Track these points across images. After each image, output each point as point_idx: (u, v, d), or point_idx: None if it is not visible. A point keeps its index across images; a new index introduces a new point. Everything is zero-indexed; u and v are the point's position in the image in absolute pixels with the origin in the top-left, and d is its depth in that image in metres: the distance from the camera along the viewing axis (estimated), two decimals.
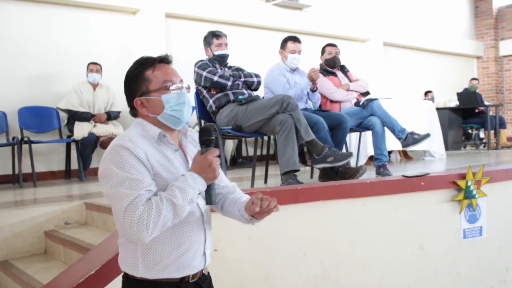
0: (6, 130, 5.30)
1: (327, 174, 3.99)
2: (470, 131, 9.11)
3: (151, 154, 1.48)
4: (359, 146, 5.12)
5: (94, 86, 5.64)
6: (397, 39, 9.30)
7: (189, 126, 1.71)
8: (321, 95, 4.68)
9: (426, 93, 9.56)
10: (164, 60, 1.58)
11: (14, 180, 5.16)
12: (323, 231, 3.13)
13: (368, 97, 4.75)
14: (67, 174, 5.55)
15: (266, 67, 4.50)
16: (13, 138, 5.12)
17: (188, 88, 1.62)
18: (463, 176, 3.67)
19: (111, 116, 5.64)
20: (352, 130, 4.53)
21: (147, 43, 6.14)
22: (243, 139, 6.49)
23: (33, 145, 5.06)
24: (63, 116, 5.60)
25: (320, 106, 4.62)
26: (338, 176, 3.92)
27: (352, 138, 5.42)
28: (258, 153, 6.24)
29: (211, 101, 4.01)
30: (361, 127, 4.58)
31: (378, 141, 4.37)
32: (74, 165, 5.49)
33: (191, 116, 1.64)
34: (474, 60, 11.35)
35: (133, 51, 6.10)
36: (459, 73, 10.71)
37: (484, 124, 8.50)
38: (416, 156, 6.72)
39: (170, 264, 1.50)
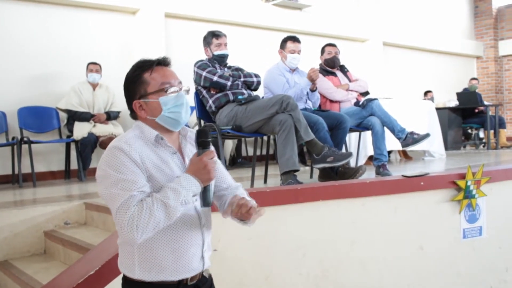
0: (6, 130, 5.30)
1: (327, 174, 3.99)
2: (469, 131, 9.12)
3: (146, 156, 1.48)
4: (359, 146, 5.12)
5: (94, 86, 5.64)
6: (396, 39, 9.30)
7: (188, 126, 1.71)
8: (321, 95, 4.69)
9: (426, 93, 9.56)
10: (162, 62, 1.59)
11: (14, 180, 5.16)
12: (322, 231, 3.13)
13: (368, 97, 4.75)
14: (66, 174, 5.55)
15: (265, 67, 4.50)
16: (13, 138, 5.12)
17: (188, 90, 1.62)
18: (462, 176, 3.67)
19: (110, 116, 5.63)
20: (351, 130, 4.53)
21: (147, 43, 6.14)
22: (243, 139, 6.49)
23: (32, 145, 5.06)
24: (63, 116, 5.60)
25: (319, 106, 4.62)
26: (338, 176, 3.92)
27: (351, 138, 5.42)
28: (258, 153, 6.24)
29: (210, 101, 4.01)
30: (360, 127, 4.58)
31: (377, 141, 4.37)
32: (74, 165, 5.49)
33: (189, 118, 1.64)
34: (473, 60, 11.35)
35: (133, 51, 6.10)
36: (459, 73, 10.72)
37: (484, 124, 8.50)
38: (415, 156, 6.72)
39: (167, 267, 1.50)
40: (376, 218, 3.36)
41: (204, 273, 1.62)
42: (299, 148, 5.12)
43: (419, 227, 3.55)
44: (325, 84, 4.74)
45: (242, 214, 1.53)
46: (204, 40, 4.20)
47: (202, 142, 1.50)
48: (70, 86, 5.53)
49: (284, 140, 3.59)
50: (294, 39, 4.40)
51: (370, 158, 5.10)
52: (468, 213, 3.76)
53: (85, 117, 5.44)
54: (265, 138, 5.10)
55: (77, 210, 3.51)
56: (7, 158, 5.20)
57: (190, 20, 6.68)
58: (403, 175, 3.58)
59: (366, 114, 4.51)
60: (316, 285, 3.08)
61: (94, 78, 5.58)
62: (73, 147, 5.48)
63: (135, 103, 1.57)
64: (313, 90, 4.32)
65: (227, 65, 4.21)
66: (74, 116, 5.43)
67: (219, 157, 1.76)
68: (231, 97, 3.96)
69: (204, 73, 3.96)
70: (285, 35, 4.56)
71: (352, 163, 4.87)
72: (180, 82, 1.59)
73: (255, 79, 4.19)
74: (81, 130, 5.34)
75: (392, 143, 4.94)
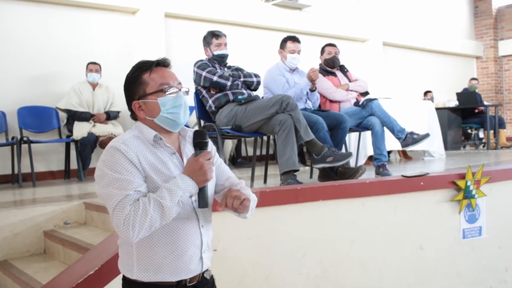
0: (6, 130, 5.30)
1: (327, 174, 3.99)
2: (469, 131, 9.12)
3: (144, 157, 1.49)
4: (359, 146, 5.12)
5: (94, 86, 5.64)
6: (396, 39, 9.30)
7: (188, 127, 1.71)
8: (321, 95, 4.68)
9: (426, 93, 9.56)
10: (162, 63, 1.60)
11: (14, 180, 5.15)
12: (322, 231, 3.13)
13: (368, 97, 4.75)
14: (66, 174, 5.55)
15: (265, 67, 4.50)
16: (13, 138, 5.12)
17: (187, 91, 1.62)
18: (462, 176, 3.67)
19: (110, 116, 5.63)
20: (351, 130, 4.53)
21: (147, 43, 6.14)
22: (243, 139, 6.49)
23: (32, 145, 5.06)
24: (63, 116, 5.60)
25: (319, 106, 4.62)
26: (338, 176, 3.92)
27: (351, 138, 5.42)
28: (258, 153, 6.24)
29: (210, 101, 4.01)
30: (360, 127, 4.58)
31: (377, 141, 4.37)
32: (74, 165, 5.49)
33: (188, 118, 1.64)
34: (473, 60, 11.35)
35: (133, 51, 6.10)
36: (459, 73, 10.72)
37: (484, 124, 8.50)
38: (415, 156, 6.73)
39: (165, 267, 1.50)
40: (376, 218, 3.36)
41: (205, 275, 1.62)
42: (299, 148, 5.12)
43: (419, 227, 3.55)
44: (325, 84, 4.74)
45: (234, 207, 1.52)
46: (204, 40, 4.20)
47: (199, 143, 1.51)
48: (70, 86, 5.53)
49: (284, 140, 3.59)
50: (294, 39, 4.40)
51: (370, 158, 5.10)
52: (468, 213, 3.76)
53: (85, 117, 5.44)
54: (265, 138, 5.10)
55: (76, 210, 3.51)
56: (6, 158, 5.19)
57: (190, 20, 6.68)
58: (403, 175, 3.58)
59: (366, 114, 4.51)
60: (316, 285, 3.08)
61: (93, 78, 5.58)
62: (72, 147, 5.48)
63: (134, 103, 1.58)
64: (312, 90, 4.32)
65: (227, 65, 4.21)
66: (74, 116, 5.43)
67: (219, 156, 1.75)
68: (231, 97, 3.96)
69: (204, 73, 3.96)
70: (285, 35, 4.56)
71: (352, 163, 4.87)
72: (180, 83, 1.60)
73: (255, 79, 4.19)
74: (80, 130, 5.33)
75: (392, 143, 4.94)
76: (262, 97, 4.21)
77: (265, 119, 3.70)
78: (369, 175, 4.14)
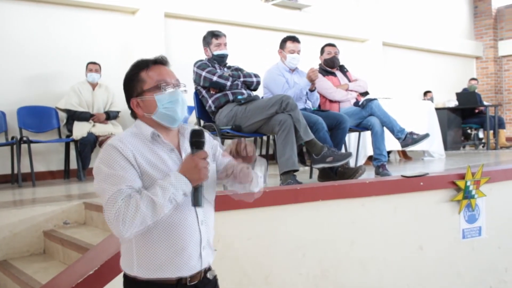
0: (5, 129, 5.30)
1: (326, 174, 3.99)
2: (469, 131, 9.12)
3: (140, 153, 1.51)
4: (358, 146, 5.12)
5: (93, 86, 5.64)
6: (396, 39, 9.30)
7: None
8: (320, 95, 4.69)
9: (425, 93, 9.57)
10: (159, 61, 1.62)
11: (13, 179, 5.15)
12: (322, 231, 3.13)
13: (367, 97, 4.75)
14: (66, 174, 5.55)
15: (265, 67, 4.50)
16: (12, 138, 5.12)
17: (185, 90, 1.63)
18: (462, 176, 3.67)
19: (110, 115, 5.63)
20: (351, 130, 4.53)
21: (147, 43, 6.13)
22: (242, 139, 6.48)
23: (32, 145, 5.06)
24: (62, 116, 5.60)
25: (319, 106, 4.62)
26: (337, 176, 3.92)
27: (351, 138, 5.43)
28: (257, 153, 6.24)
29: (210, 101, 4.01)
30: (360, 127, 4.59)
31: (377, 141, 4.37)
32: (73, 165, 5.49)
33: (186, 114, 1.65)
34: (473, 60, 11.35)
35: (133, 51, 6.09)
36: (458, 73, 10.72)
37: (483, 124, 8.51)
38: (415, 156, 6.73)
39: (164, 263, 1.51)
40: (376, 218, 3.36)
41: (208, 275, 1.62)
42: (299, 148, 5.12)
43: (419, 227, 3.55)
44: (324, 84, 4.74)
45: (234, 173, 1.54)
46: (203, 40, 4.20)
47: (195, 142, 1.52)
48: (70, 86, 5.53)
49: (283, 140, 3.59)
50: (294, 39, 4.40)
51: (370, 158, 5.10)
52: (468, 213, 3.76)
53: (85, 116, 5.44)
54: (265, 138, 5.11)
55: (76, 210, 3.50)
56: (6, 157, 5.19)
57: (189, 20, 6.68)
58: (402, 175, 3.58)
59: (366, 114, 4.51)
60: (315, 285, 3.08)
61: (93, 78, 5.58)
62: (72, 147, 5.48)
63: (132, 101, 1.60)
64: (312, 90, 4.32)
65: (227, 65, 4.21)
66: (74, 116, 5.43)
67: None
68: (231, 97, 3.96)
69: (203, 73, 3.96)
70: (285, 35, 4.56)
71: (352, 163, 4.87)
72: (178, 80, 1.62)
73: (254, 79, 4.19)
74: (80, 129, 5.33)
75: (391, 143, 4.94)
76: (262, 97, 4.22)
77: (265, 119, 3.70)
78: (369, 175, 4.14)
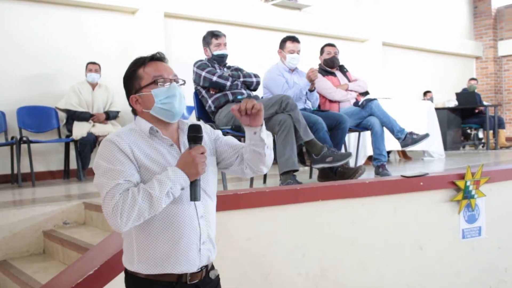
0: (5, 129, 5.30)
1: (326, 174, 3.99)
2: (469, 131, 9.13)
3: (138, 148, 1.52)
4: (358, 146, 5.12)
5: (93, 86, 5.64)
6: (396, 39, 9.30)
7: None
8: (320, 95, 4.68)
9: (425, 93, 9.57)
10: (156, 57, 1.64)
11: (13, 179, 5.15)
12: (322, 231, 3.13)
13: (367, 97, 4.75)
14: (65, 174, 5.55)
15: (265, 67, 4.50)
16: (12, 138, 5.12)
17: (183, 83, 1.65)
18: (462, 176, 3.67)
19: (110, 115, 5.63)
20: (351, 130, 4.53)
21: (146, 43, 6.13)
22: (242, 139, 6.48)
23: (32, 145, 5.06)
24: (62, 116, 5.60)
25: (319, 106, 4.62)
26: (337, 176, 3.92)
27: (351, 138, 5.43)
28: None
29: (210, 101, 4.01)
30: (360, 127, 4.58)
31: (377, 141, 4.37)
32: (73, 165, 5.49)
33: (185, 108, 1.66)
34: (473, 60, 11.36)
35: (132, 51, 6.09)
36: (458, 73, 10.72)
37: (483, 124, 8.51)
38: (415, 156, 6.73)
39: (163, 257, 1.52)
40: (376, 218, 3.35)
41: (210, 274, 1.62)
42: (299, 148, 5.12)
43: (419, 227, 3.54)
44: (324, 84, 4.74)
45: (248, 108, 1.57)
46: (203, 40, 4.20)
47: (193, 137, 1.52)
48: (70, 86, 5.53)
49: (283, 140, 3.59)
50: (294, 39, 4.40)
51: (370, 158, 5.10)
52: (467, 213, 3.76)
53: (84, 116, 5.44)
54: None
55: (76, 210, 3.50)
56: (6, 157, 5.19)
57: (189, 20, 6.68)
58: (402, 175, 3.58)
59: (366, 114, 4.51)
60: (315, 285, 3.08)
61: (93, 78, 5.58)
62: (72, 146, 5.48)
63: (131, 97, 1.63)
64: (311, 90, 4.31)
65: (227, 65, 4.21)
66: (73, 116, 5.43)
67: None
68: (231, 97, 3.96)
69: (203, 73, 3.96)
70: (285, 35, 4.56)
71: (352, 163, 4.87)
72: (175, 75, 1.63)
73: (254, 79, 4.19)
74: (80, 129, 5.33)
75: (391, 143, 4.94)
76: (262, 97, 4.22)
77: (265, 119, 3.68)
78: (368, 175, 4.14)
